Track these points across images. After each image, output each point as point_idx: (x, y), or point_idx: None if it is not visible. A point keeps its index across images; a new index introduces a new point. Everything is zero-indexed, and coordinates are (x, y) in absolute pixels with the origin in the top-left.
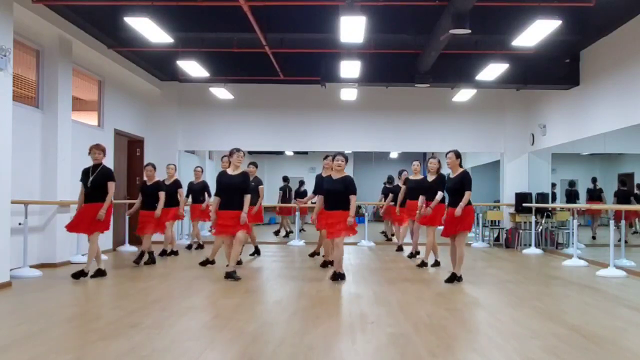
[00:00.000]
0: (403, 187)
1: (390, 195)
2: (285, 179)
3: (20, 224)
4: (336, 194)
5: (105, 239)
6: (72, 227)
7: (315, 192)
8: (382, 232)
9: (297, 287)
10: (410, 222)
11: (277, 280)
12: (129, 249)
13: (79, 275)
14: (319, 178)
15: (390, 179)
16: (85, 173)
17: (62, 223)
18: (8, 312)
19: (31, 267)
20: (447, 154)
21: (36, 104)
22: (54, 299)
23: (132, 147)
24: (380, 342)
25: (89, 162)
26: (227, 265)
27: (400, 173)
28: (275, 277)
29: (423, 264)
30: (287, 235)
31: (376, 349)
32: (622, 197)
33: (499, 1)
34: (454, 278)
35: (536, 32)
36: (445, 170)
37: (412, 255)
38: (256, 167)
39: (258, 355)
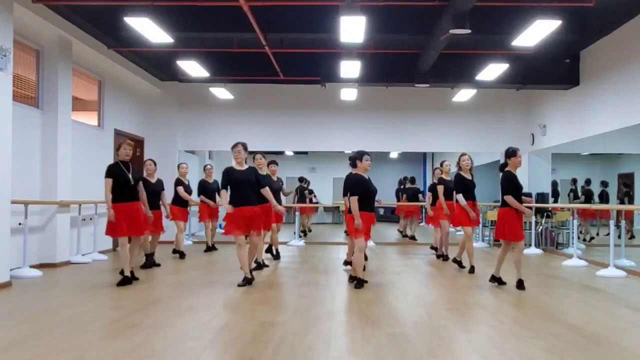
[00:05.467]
0: (441, 187)
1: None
2: (301, 179)
3: (20, 224)
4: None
5: (105, 239)
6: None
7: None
8: (400, 232)
9: (297, 287)
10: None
11: (277, 280)
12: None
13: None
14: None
15: (412, 179)
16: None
17: (62, 223)
18: (8, 312)
19: (31, 267)
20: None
21: (36, 104)
22: (54, 299)
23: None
24: (380, 342)
25: (88, 162)
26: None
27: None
28: (276, 277)
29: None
30: (304, 233)
31: (376, 349)
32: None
33: (499, 1)
34: (518, 284)
35: (536, 32)
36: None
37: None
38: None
39: (258, 355)
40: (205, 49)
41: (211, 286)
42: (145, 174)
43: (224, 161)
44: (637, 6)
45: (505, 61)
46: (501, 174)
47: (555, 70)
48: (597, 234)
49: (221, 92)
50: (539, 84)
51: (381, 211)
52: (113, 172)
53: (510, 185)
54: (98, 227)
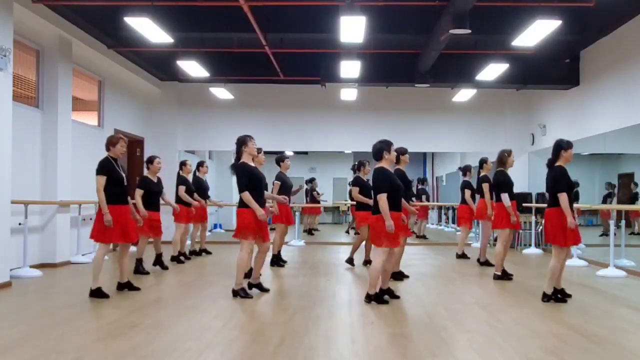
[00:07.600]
0: (486, 185)
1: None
2: (311, 180)
3: (20, 224)
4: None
5: None
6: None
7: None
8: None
9: (297, 287)
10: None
11: (277, 281)
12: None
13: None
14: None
15: (423, 180)
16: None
17: (62, 223)
18: (8, 312)
19: (31, 267)
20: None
21: (36, 104)
22: (54, 299)
23: (132, 147)
24: (380, 342)
25: (88, 162)
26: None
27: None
28: (275, 278)
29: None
30: (310, 232)
31: (376, 349)
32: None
33: (499, 1)
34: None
35: (536, 32)
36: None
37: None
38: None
39: (258, 355)
40: (205, 49)
41: (211, 287)
42: (147, 173)
43: (225, 162)
44: (637, 6)
45: (505, 61)
46: (549, 169)
47: (555, 70)
48: None
49: (221, 92)
50: (539, 84)
51: None
52: (108, 169)
53: (568, 181)
54: None
